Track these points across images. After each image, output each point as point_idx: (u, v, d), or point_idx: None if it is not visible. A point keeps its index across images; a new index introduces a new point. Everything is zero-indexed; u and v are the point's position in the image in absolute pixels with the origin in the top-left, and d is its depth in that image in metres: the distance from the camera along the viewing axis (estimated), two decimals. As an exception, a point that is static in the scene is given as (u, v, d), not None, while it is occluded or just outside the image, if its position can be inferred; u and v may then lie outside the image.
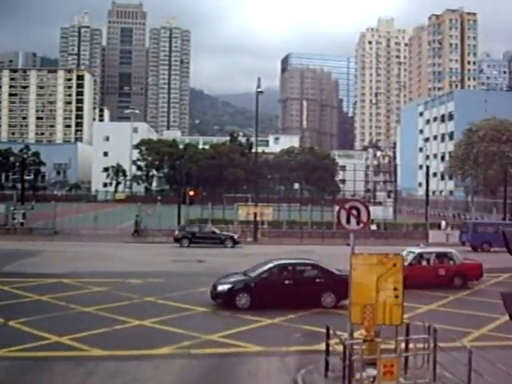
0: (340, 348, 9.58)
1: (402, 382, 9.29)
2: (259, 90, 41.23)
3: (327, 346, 10.21)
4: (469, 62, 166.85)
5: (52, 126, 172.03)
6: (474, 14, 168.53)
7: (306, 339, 12.99)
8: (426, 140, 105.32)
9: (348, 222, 10.52)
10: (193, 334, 13.18)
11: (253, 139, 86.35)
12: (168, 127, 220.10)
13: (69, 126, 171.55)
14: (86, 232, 38.50)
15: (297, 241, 38.60)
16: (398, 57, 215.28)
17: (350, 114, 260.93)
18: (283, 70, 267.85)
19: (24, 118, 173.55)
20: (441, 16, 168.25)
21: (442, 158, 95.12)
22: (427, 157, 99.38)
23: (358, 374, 9.13)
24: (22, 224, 39.73)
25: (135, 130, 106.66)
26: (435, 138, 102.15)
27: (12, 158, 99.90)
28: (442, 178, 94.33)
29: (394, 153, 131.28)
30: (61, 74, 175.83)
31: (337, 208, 12.61)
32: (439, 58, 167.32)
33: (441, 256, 21.24)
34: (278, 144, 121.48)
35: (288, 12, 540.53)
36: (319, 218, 43.08)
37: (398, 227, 43.29)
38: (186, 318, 15.15)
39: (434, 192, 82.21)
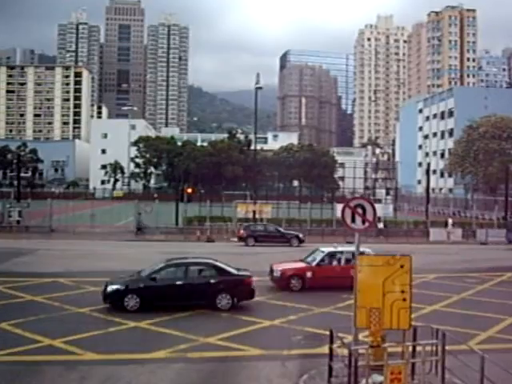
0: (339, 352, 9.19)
1: (410, 389, 8.92)
2: (258, 85, 40.80)
3: (330, 350, 9.83)
4: (468, 59, 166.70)
5: (50, 123, 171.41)
6: (474, 10, 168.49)
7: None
8: (426, 137, 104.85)
9: (353, 220, 10.09)
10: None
11: (251, 136, 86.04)
12: (166, 124, 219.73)
13: (67, 123, 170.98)
14: (82, 230, 38.01)
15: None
16: (397, 54, 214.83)
17: (349, 111, 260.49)
18: (282, 67, 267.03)
19: (22, 115, 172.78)
20: (440, 13, 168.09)
21: (442, 155, 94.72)
22: (426, 154, 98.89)
23: (363, 380, 8.74)
24: (18, 222, 39.29)
25: (133, 127, 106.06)
26: (435, 135, 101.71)
27: (9, 156, 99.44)
28: (442, 175, 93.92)
29: (393, 150, 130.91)
30: (58, 70, 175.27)
31: (340, 206, 12.14)
32: (438, 54, 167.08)
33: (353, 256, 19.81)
34: (276, 141, 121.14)
35: (287, 9, 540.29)
36: (319, 215, 42.64)
37: (399, 225, 42.91)
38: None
39: (433, 189, 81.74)
